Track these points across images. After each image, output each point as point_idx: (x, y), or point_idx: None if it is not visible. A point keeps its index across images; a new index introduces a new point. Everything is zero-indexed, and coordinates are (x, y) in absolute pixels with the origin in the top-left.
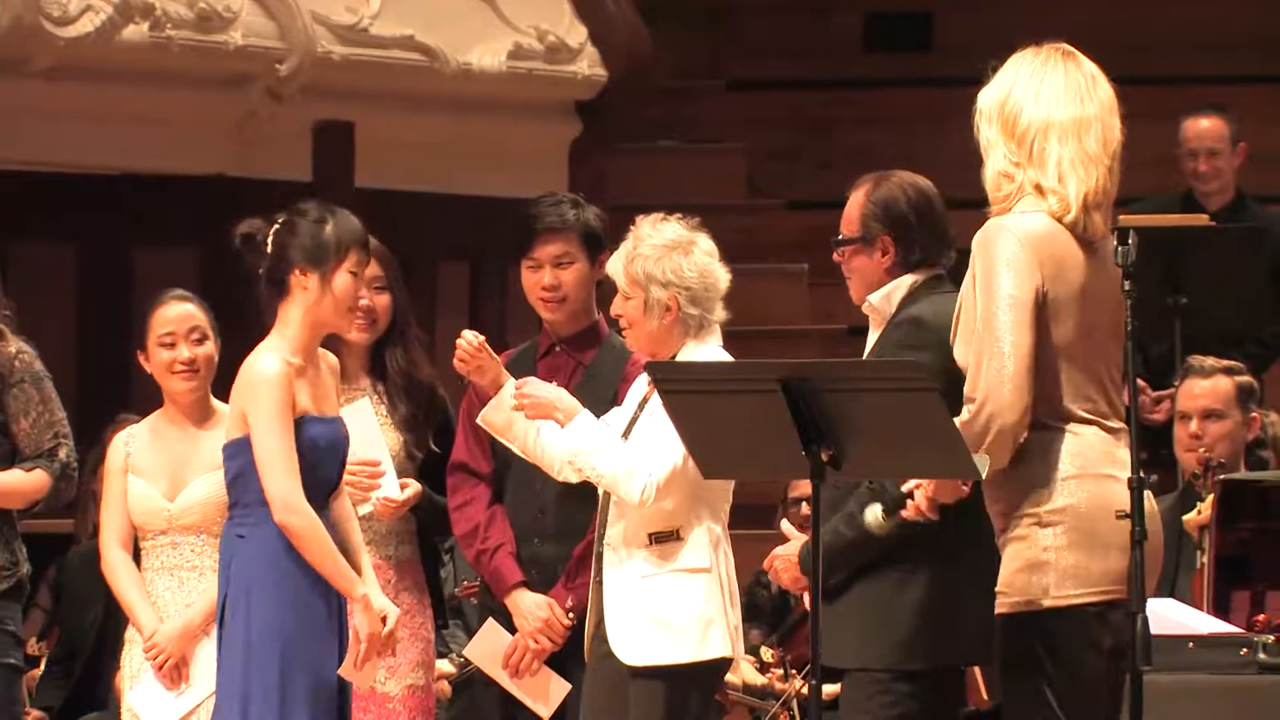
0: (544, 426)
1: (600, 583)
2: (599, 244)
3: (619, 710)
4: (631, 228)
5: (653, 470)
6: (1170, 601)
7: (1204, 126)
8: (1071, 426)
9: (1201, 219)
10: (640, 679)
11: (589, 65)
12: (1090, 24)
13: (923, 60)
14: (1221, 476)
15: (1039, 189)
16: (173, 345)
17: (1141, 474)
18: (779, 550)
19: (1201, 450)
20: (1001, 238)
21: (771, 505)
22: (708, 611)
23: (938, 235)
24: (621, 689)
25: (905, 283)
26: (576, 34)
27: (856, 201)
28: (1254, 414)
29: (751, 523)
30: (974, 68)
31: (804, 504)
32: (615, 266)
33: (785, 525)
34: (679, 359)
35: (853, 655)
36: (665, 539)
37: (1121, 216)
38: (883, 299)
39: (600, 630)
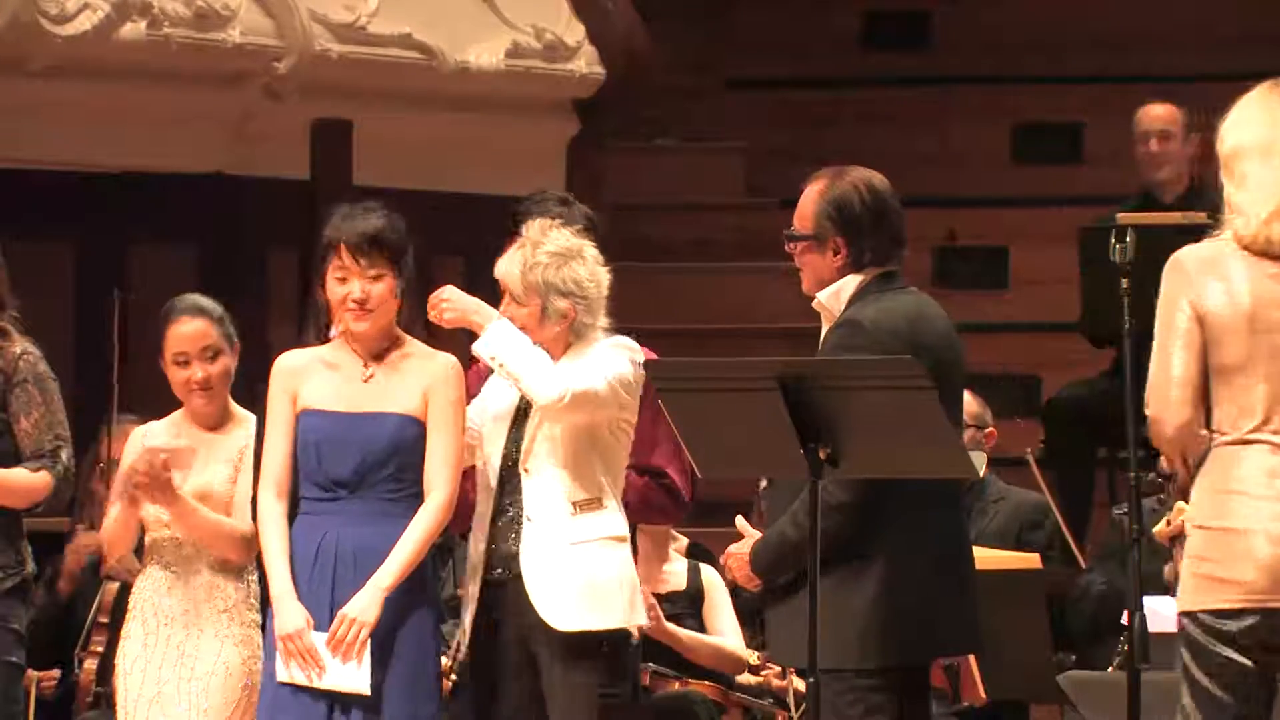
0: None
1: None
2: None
3: (525, 676)
4: (523, 232)
5: (570, 381)
6: (1169, 600)
7: (1156, 112)
8: (1221, 443)
9: (1200, 218)
10: (572, 644)
11: (587, 63)
12: (1088, 23)
13: (921, 59)
14: None
15: (1241, 211)
16: (186, 364)
17: (1139, 473)
18: (732, 548)
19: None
20: (1170, 264)
21: (749, 501)
22: (633, 578)
23: (890, 236)
24: (521, 654)
25: (854, 281)
26: (574, 32)
27: (810, 198)
28: None
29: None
30: (972, 66)
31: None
32: (505, 272)
33: (740, 521)
34: (561, 363)
35: (828, 655)
36: (589, 506)
37: (1120, 215)
38: (831, 296)
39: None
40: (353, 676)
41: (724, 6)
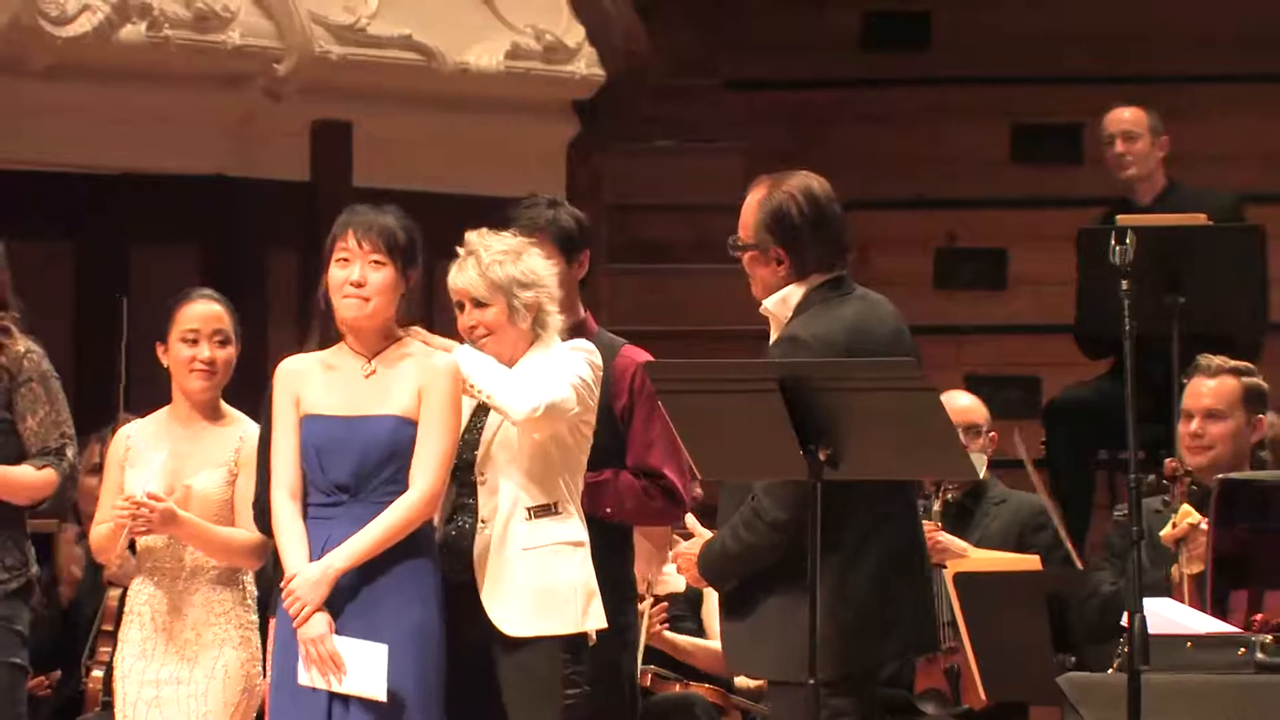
0: None
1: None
2: (574, 243)
3: (481, 682)
4: (462, 246)
5: (542, 393)
6: (1169, 601)
7: (1124, 116)
8: None
9: (1199, 219)
10: (522, 650)
11: (586, 65)
12: (1087, 23)
13: (920, 59)
14: (1219, 476)
15: None
16: (195, 342)
17: (1139, 475)
18: (682, 546)
19: (1169, 461)
20: None
21: None
22: (589, 584)
23: (832, 242)
24: (478, 659)
25: (800, 289)
26: (574, 33)
27: (750, 208)
28: (1260, 416)
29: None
30: (971, 66)
31: None
32: (467, 279)
33: (690, 520)
34: (528, 359)
35: (770, 666)
36: (544, 513)
37: (1120, 216)
38: (778, 303)
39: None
40: (370, 682)
41: (723, 7)
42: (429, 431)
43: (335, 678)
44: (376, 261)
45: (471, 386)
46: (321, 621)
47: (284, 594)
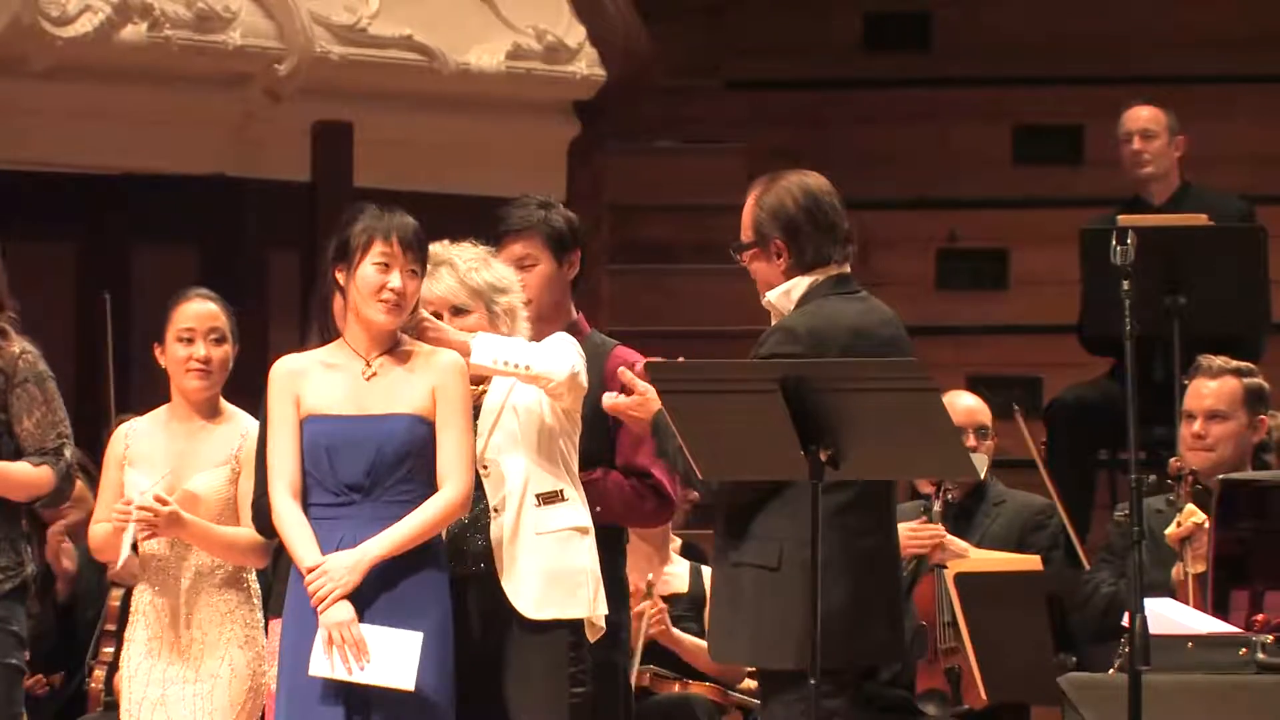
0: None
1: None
2: (565, 244)
3: (482, 683)
4: (431, 261)
5: (568, 358)
6: (1170, 601)
7: (1142, 114)
8: None
9: (1200, 219)
10: (540, 632)
11: (588, 65)
12: (1088, 24)
13: (921, 60)
14: (1220, 477)
15: None
16: (190, 342)
17: (1140, 475)
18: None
19: (1173, 461)
20: None
21: None
22: (596, 571)
23: (830, 234)
24: (480, 660)
25: (804, 282)
26: (575, 34)
27: (748, 208)
28: (1262, 417)
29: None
30: (973, 67)
31: None
32: (446, 287)
33: (624, 372)
34: None
35: (743, 653)
36: (551, 499)
37: (1121, 217)
38: (781, 296)
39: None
40: (398, 672)
41: (724, 8)
42: (452, 430)
43: (357, 665)
44: (413, 271)
45: (505, 363)
46: (347, 606)
47: (309, 579)
